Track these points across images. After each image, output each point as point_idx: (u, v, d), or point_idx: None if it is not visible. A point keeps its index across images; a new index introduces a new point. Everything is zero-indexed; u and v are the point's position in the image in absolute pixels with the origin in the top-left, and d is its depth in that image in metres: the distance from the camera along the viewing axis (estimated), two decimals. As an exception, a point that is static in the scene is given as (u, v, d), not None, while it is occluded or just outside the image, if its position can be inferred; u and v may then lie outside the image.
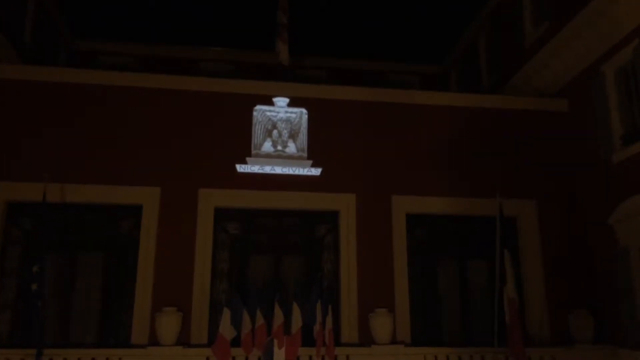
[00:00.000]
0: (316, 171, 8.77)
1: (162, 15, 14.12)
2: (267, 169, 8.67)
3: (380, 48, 15.41)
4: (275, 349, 7.41)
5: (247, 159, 8.67)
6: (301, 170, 8.74)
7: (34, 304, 7.17)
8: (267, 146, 8.80)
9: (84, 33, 14.77)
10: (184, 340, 7.81)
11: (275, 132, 8.86)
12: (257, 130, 8.84)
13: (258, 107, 8.89)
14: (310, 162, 8.79)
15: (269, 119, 8.90)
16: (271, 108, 8.94)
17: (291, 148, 8.85)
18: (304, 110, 8.99)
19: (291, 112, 8.97)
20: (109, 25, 14.54)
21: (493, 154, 9.30)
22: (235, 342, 7.50)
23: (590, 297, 8.79)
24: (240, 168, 8.62)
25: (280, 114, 8.94)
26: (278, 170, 8.69)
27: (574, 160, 9.39)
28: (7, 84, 8.43)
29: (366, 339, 8.16)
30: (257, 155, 8.72)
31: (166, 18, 14.24)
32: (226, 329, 7.50)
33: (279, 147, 8.82)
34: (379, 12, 14.17)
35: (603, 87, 8.85)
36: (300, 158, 8.80)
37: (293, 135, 8.89)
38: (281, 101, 8.99)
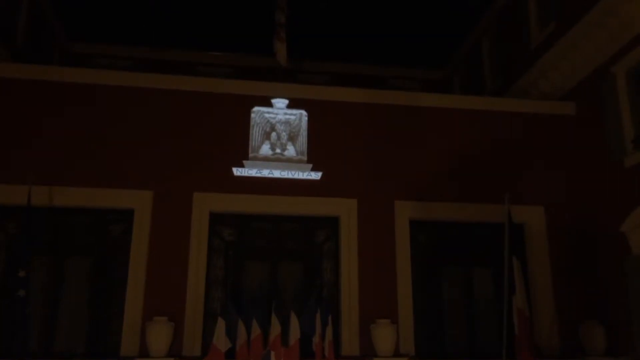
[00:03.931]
0: (316, 175, 8.44)
1: (159, 18, 13.89)
2: (265, 173, 8.34)
3: (380, 52, 15.17)
4: (272, 361, 7.05)
5: (245, 162, 8.34)
6: (301, 174, 8.41)
7: (21, 312, 6.80)
8: (266, 149, 8.48)
9: (79, 36, 14.52)
10: (176, 351, 7.43)
11: (273, 134, 8.55)
12: (255, 133, 8.53)
13: (256, 108, 8.58)
14: (310, 165, 8.47)
15: (268, 121, 8.58)
16: (270, 109, 8.63)
17: (290, 151, 8.52)
18: (304, 112, 8.67)
19: (290, 114, 8.66)
20: (105, 28, 14.30)
21: (499, 158, 8.99)
22: (230, 353, 7.13)
23: (601, 307, 8.42)
24: (237, 171, 8.29)
25: (279, 116, 8.62)
26: (276, 173, 8.36)
27: (584, 165, 9.08)
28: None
29: (368, 351, 7.78)
30: (255, 158, 8.39)
31: (163, 21, 14.01)
32: (220, 340, 7.15)
33: (278, 150, 8.50)
34: (380, 15, 13.94)
35: (614, 89, 8.55)
36: (299, 161, 8.48)
37: (292, 138, 8.57)
38: (280, 102, 8.68)
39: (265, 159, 8.40)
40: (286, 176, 8.37)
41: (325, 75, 15.21)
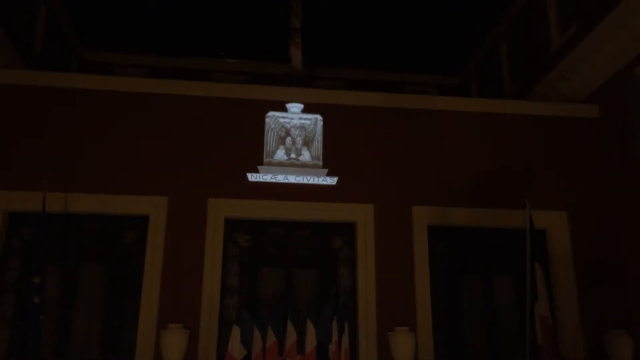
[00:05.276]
0: (332, 180, 8.32)
1: (175, 27, 13.97)
2: (280, 178, 8.24)
3: (396, 58, 15.06)
4: (288, 369, 6.91)
5: (259, 167, 8.25)
6: (316, 179, 8.30)
7: (35, 318, 6.75)
8: (280, 154, 8.38)
9: (96, 45, 14.65)
10: (190, 359, 7.32)
11: (288, 139, 8.45)
12: (270, 138, 8.44)
13: (271, 113, 8.50)
14: (326, 170, 8.35)
15: (282, 126, 8.49)
16: (284, 114, 8.54)
17: (305, 156, 8.42)
18: (319, 117, 8.57)
19: (305, 119, 8.56)
20: (121, 37, 14.41)
21: (519, 162, 8.78)
22: (245, 361, 7.01)
23: (628, 316, 8.12)
24: (251, 177, 8.20)
25: (294, 121, 8.53)
26: (292, 179, 8.25)
27: (607, 169, 8.82)
28: (5, 89, 8.12)
29: (386, 360, 7.60)
30: (270, 164, 8.30)
31: (179, 30, 14.09)
32: (235, 348, 7.04)
33: (293, 155, 8.40)
34: (395, 21, 13.85)
35: (638, 90, 8.30)
36: (315, 166, 8.37)
37: (307, 143, 8.47)
38: (295, 107, 8.58)
39: (280, 164, 8.30)
40: (301, 181, 8.26)
41: (340, 81, 15.14)
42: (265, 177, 8.22)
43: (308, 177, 8.27)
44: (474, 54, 14.80)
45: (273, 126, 8.45)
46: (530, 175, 8.72)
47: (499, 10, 12.94)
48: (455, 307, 8.34)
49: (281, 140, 8.41)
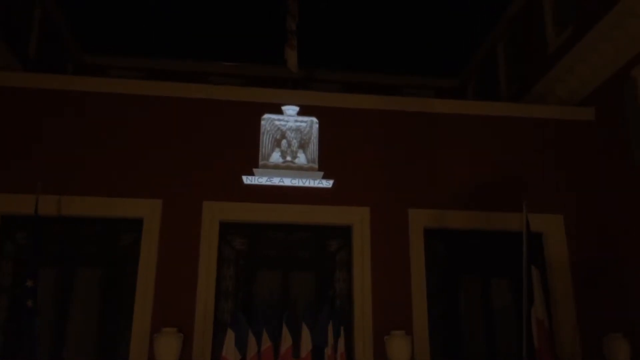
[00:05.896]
0: (327, 183, 8.27)
1: (172, 30, 13.94)
2: (276, 181, 8.19)
3: (394, 61, 15.04)
4: (283, 373, 6.86)
5: (254, 170, 8.21)
6: (312, 182, 8.25)
7: (29, 322, 6.70)
8: (276, 157, 8.34)
9: (93, 48, 14.62)
10: (185, 363, 7.27)
11: (284, 142, 8.41)
12: (265, 140, 8.40)
13: (266, 115, 8.46)
14: (322, 173, 8.30)
15: (278, 128, 8.45)
16: (280, 117, 8.50)
17: (301, 159, 8.37)
18: (315, 119, 8.53)
19: (301, 121, 8.52)
20: (118, 40, 14.38)
21: (516, 165, 8.75)
22: (240, 366, 6.95)
23: (626, 319, 8.07)
24: (246, 180, 8.16)
25: (290, 123, 8.49)
26: (287, 182, 8.21)
27: (604, 172, 8.78)
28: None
29: (382, 364, 7.55)
30: (265, 166, 8.25)
31: (176, 33, 14.06)
32: (230, 352, 6.97)
33: (288, 158, 8.35)
34: (392, 23, 13.83)
35: (635, 92, 8.27)
36: (310, 169, 8.32)
37: (303, 145, 8.43)
38: (290, 110, 8.55)
39: (276, 166, 8.26)
40: (297, 184, 8.22)
41: (337, 84, 15.13)
42: (260, 179, 8.17)
43: (304, 180, 8.23)
44: (472, 56, 14.78)
45: (269, 129, 8.42)
46: (527, 178, 8.68)
47: (497, 13, 12.93)
48: (453, 310, 8.29)
49: (277, 143, 8.37)
